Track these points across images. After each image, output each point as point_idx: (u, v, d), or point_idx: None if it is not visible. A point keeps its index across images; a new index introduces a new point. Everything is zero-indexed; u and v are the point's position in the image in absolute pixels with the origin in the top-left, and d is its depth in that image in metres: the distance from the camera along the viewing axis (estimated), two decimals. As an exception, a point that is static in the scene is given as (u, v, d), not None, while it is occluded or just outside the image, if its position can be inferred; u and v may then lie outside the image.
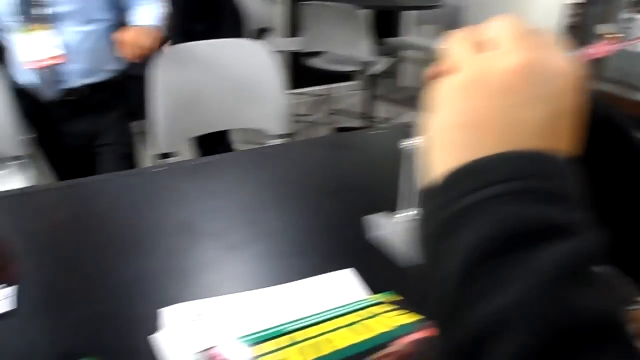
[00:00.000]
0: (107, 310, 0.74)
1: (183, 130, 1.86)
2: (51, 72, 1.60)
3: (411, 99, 4.11)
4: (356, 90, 4.24)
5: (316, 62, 3.38)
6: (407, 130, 1.30)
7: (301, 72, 3.49)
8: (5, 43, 1.63)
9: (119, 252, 0.86)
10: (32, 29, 1.52)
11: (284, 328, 0.64)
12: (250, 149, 1.47)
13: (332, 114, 3.94)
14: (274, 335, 0.63)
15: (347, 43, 3.01)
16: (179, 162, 1.52)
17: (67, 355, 0.67)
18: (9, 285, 0.65)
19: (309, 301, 0.73)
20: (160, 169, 1.20)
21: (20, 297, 0.76)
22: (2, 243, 0.64)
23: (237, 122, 2.00)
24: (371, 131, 1.40)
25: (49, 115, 1.69)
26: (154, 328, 0.69)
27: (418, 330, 0.63)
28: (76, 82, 1.63)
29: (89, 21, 1.61)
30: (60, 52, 1.56)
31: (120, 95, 1.77)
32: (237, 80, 1.89)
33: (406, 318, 0.66)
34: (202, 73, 1.84)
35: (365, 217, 0.91)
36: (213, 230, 0.91)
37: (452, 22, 3.64)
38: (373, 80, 3.53)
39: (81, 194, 1.07)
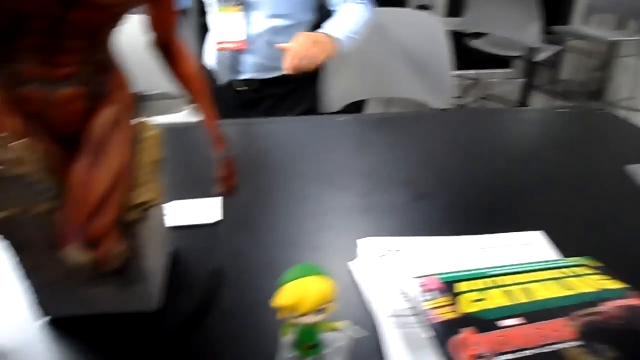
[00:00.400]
0: (306, 233, 0.80)
1: (349, 93, 1.90)
2: (230, 57, 1.60)
3: (570, 93, 3.89)
4: (511, 77, 4.08)
5: (475, 44, 3.29)
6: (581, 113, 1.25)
7: (455, 53, 3.41)
8: (207, 24, 1.67)
9: (313, 185, 0.92)
10: (226, 9, 1.54)
11: (486, 272, 0.65)
12: (433, 110, 1.48)
13: (483, 98, 3.84)
14: (475, 276, 0.64)
15: (514, 26, 2.90)
16: (362, 114, 1.57)
17: (269, 264, 0.73)
18: (226, 196, 0.72)
19: (500, 254, 0.73)
20: (344, 118, 1.25)
21: (225, 210, 0.84)
22: (228, 157, 0.70)
23: (401, 91, 2.01)
24: (559, 109, 1.34)
25: (223, 100, 1.66)
26: (352, 256, 0.73)
27: (624, 296, 0.61)
28: (248, 74, 1.63)
29: (274, 15, 1.55)
30: (242, 39, 1.56)
31: (294, 92, 1.70)
32: (407, 50, 1.90)
33: (610, 283, 0.64)
34: (374, 39, 1.87)
35: (629, 166, 0.97)
36: (401, 178, 0.94)
37: (630, 11, 3.36)
38: (532, 69, 3.37)
39: (269, 131, 1.15)
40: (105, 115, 0.51)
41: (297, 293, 0.49)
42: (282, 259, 0.75)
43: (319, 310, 0.50)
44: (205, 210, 0.83)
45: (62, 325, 0.64)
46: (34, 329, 0.63)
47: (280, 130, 1.17)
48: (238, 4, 1.53)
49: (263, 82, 1.64)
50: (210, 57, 1.69)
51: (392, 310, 0.63)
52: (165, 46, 0.59)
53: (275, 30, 1.57)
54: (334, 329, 0.53)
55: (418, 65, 1.91)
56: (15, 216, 0.53)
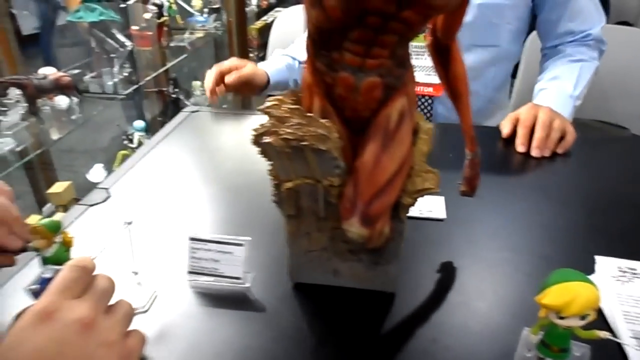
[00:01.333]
0: (531, 241, 0.81)
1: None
2: (419, 105, 1.26)
3: None
4: None
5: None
6: None
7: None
8: None
9: (530, 195, 0.93)
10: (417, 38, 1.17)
11: None
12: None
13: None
14: None
15: None
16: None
17: (494, 266, 0.74)
18: (467, 195, 0.75)
19: None
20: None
21: (448, 209, 0.87)
22: (476, 159, 0.72)
23: (596, 112, 1.89)
24: None
25: None
26: (585, 272, 0.72)
27: None
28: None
29: (475, 45, 1.23)
30: (438, 82, 1.11)
31: None
32: (614, 69, 1.79)
33: None
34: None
35: None
36: (629, 200, 0.91)
37: None
38: None
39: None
40: (397, 106, 0.56)
41: (567, 295, 0.50)
42: (508, 262, 0.76)
43: (582, 316, 0.51)
44: (430, 206, 0.87)
45: (305, 290, 0.70)
46: (284, 291, 0.71)
47: (491, 137, 1.17)
48: None
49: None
50: None
51: (637, 332, 0.61)
52: (445, 48, 0.63)
53: (477, 68, 1.24)
54: (593, 338, 0.53)
55: (627, 87, 1.79)
56: (300, 186, 0.60)
